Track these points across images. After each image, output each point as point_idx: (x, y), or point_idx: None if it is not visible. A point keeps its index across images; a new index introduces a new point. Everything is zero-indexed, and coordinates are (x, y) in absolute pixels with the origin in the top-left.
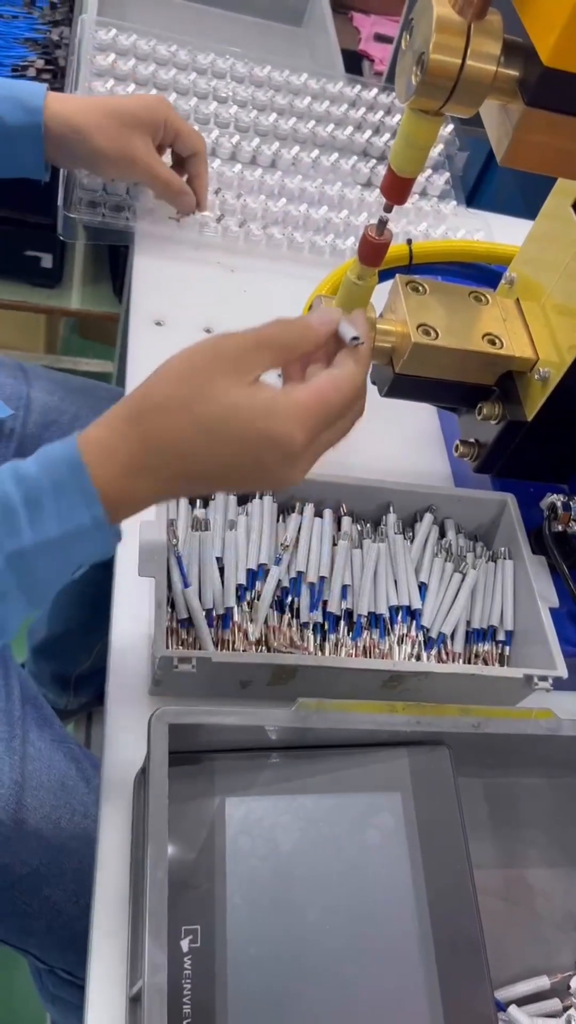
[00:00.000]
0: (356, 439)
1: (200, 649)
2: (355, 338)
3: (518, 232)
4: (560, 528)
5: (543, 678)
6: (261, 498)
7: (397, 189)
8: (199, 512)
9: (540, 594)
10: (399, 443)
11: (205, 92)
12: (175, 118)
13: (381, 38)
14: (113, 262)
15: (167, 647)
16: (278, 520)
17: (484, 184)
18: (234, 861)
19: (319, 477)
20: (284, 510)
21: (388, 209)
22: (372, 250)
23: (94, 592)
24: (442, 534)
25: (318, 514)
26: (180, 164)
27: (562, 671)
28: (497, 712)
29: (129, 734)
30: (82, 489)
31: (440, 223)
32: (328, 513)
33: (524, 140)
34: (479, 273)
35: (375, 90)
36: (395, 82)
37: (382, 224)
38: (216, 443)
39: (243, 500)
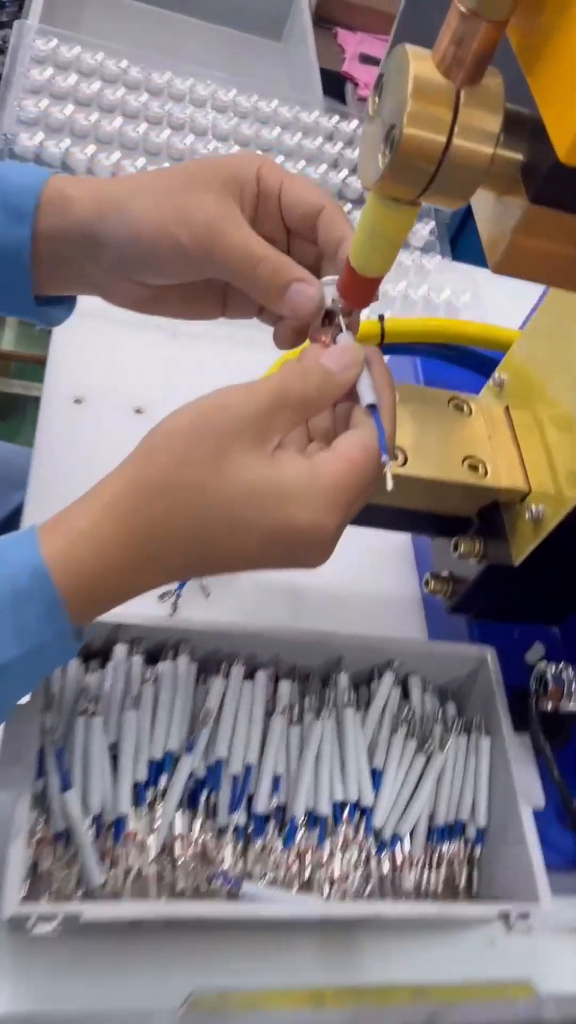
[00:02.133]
0: None
1: (81, 869)
2: (371, 405)
3: (508, 293)
4: (550, 707)
5: (524, 915)
6: (175, 658)
7: (358, 290)
8: (91, 678)
9: (522, 791)
10: (362, 559)
11: (158, 117)
12: (274, 168)
13: (367, 59)
14: None
15: (22, 892)
16: (198, 681)
17: (467, 229)
18: None
19: (253, 628)
20: (206, 669)
21: (347, 313)
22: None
23: None
24: (404, 690)
25: (249, 675)
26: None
27: (546, 904)
28: (461, 992)
29: None
30: (45, 599)
31: (422, 280)
32: (262, 676)
33: (525, 245)
34: (460, 355)
35: (355, 123)
36: (359, 157)
37: (336, 330)
38: (238, 531)
39: (152, 658)
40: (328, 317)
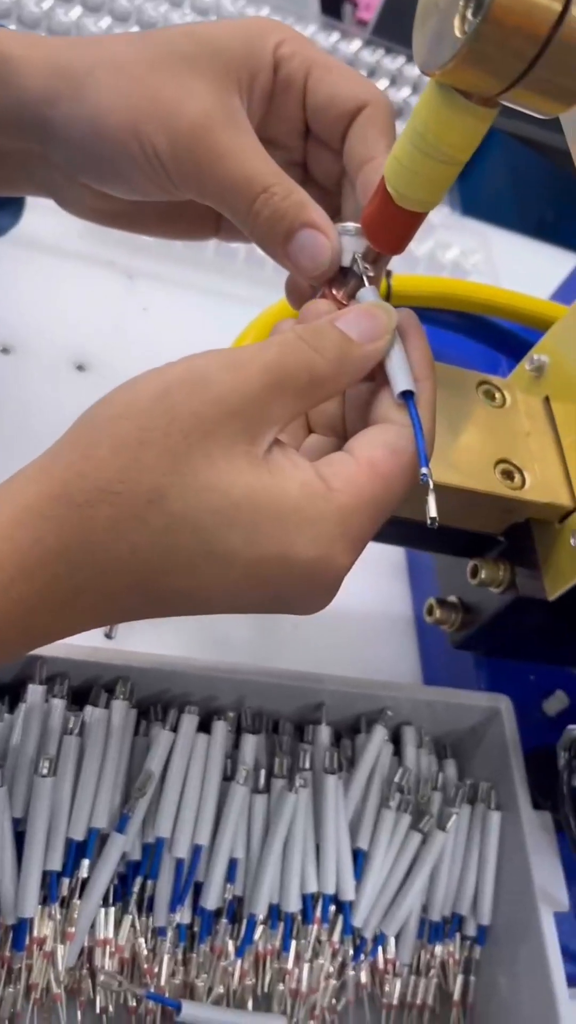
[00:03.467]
0: None
1: None
2: (406, 392)
3: (524, 256)
4: None
5: None
6: (108, 704)
7: (394, 227)
8: None
9: (540, 886)
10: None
11: (125, 12)
12: (300, 46)
13: None
14: None
15: None
16: (137, 732)
17: (474, 181)
18: None
19: (213, 664)
20: (148, 716)
21: (372, 259)
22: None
23: None
24: (395, 744)
25: (204, 725)
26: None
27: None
28: None
29: None
30: None
31: (428, 235)
32: (221, 727)
33: None
34: (476, 327)
35: (357, 43)
36: (413, 35)
37: (357, 283)
38: (214, 561)
39: (79, 700)
40: (342, 272)
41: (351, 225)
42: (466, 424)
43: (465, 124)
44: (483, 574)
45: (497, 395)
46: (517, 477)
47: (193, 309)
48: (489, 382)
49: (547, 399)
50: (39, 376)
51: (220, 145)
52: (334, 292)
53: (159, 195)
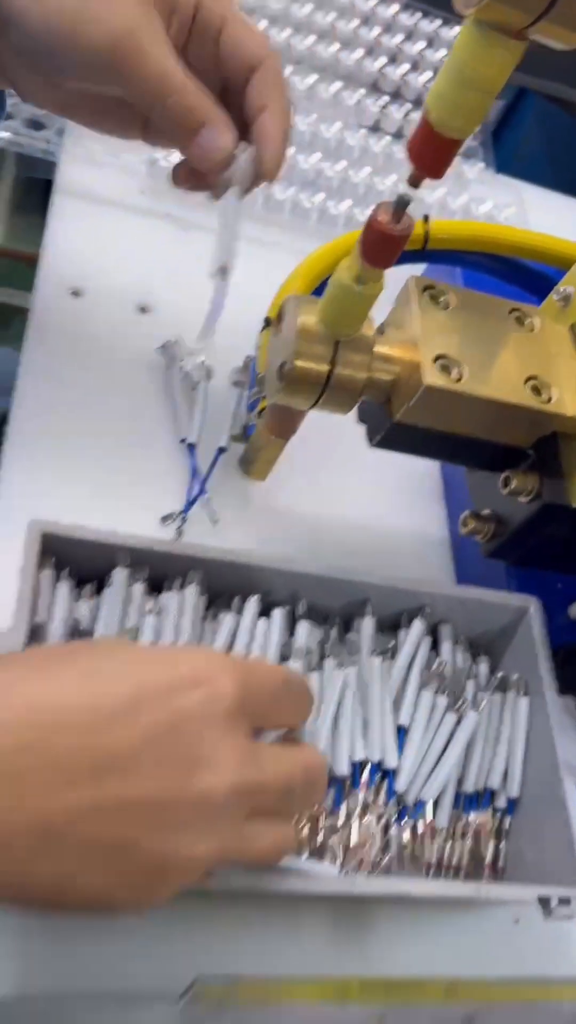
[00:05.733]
0: (323, 482)
1: None
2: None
3: (556, 210)
4: None
5: (565, 900)
6: (183, 587)
7: (435, 153)
8: (83, 610)
9: (564, 761)
10: (386, 491)
11: None
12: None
13: None
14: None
15: None
16: (205, 618)
17: (509, 141)
18: None
19: (269, 562)
20: (216, 603)
21: (415, 183)
22: (383, 243)
23: None
24: (434, 641)
25: (264, 613)
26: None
27: None
28: (500, 992)
29: None
30: None
31: (462, 190)
32: (279, 614)
33: None
34: (511, 270)
35: (395, 6)
36: None
37: (402, 205)
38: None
39: (156, 587)
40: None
41: (247, 146)
42: (498, 346)
43: (497, 56)
44: (514, 483)
45: (527, 321)
46: (544, 392)
47: (241, 257)
48: (520, 309)
49: (573, 327)
50: (106, 317)
51: (143, 47)
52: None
53: (93, 84)
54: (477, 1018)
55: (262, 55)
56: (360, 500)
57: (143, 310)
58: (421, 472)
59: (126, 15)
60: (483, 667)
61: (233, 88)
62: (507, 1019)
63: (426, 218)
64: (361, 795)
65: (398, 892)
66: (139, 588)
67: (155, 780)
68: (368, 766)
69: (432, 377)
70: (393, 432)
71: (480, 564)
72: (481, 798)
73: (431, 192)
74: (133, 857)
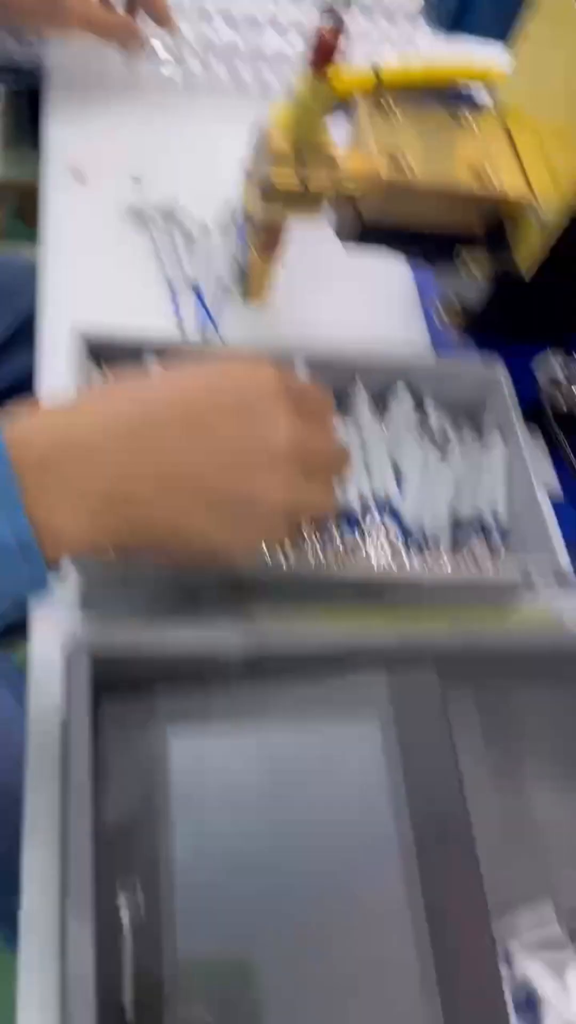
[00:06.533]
0: (314, 302)
1: None
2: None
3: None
4: (565, 408)
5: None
6: None
7: None
8: None
9: (539, 479)
10: (366, 304)
11: None
12: None
13: None
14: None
15: None
16: None
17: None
18: (182, 810)
19: (265, 347)
20: None
21: None
22: (322, 47)
23: None
24: (419, 410)
25: None
26: None
27: (566, 563)
28: (494, 621)
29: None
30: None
31: (411, 54)
32: None
33: None
34: (449, 94)
35: None
36: None
37: (335, 16)
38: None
39: None
40: None
41: None
42: (442, 143)
43: None
44: (471, 265)
45: (463, 121)
46: (486, 179)
47: (216, 130)
48: (457, 113)
49: (508, 132)
50: (107, 194)
51: None
52: None
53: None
54: (477, 638)
55: None
56: (344, 315)
57: (137, 179)
58: (398, 287)
59: None
60: (465, 430)
61: None
62: (499, 639)
63: (377, 69)
64: (376, 532)
65: (411, 578)
66: None
67: (232, 439)
68: (375, 503)
69: (387, 172)
70: (364, 234)
71: (452, 348)
72: (474, 527)
73: (381, 56)
74: (226, 498)
